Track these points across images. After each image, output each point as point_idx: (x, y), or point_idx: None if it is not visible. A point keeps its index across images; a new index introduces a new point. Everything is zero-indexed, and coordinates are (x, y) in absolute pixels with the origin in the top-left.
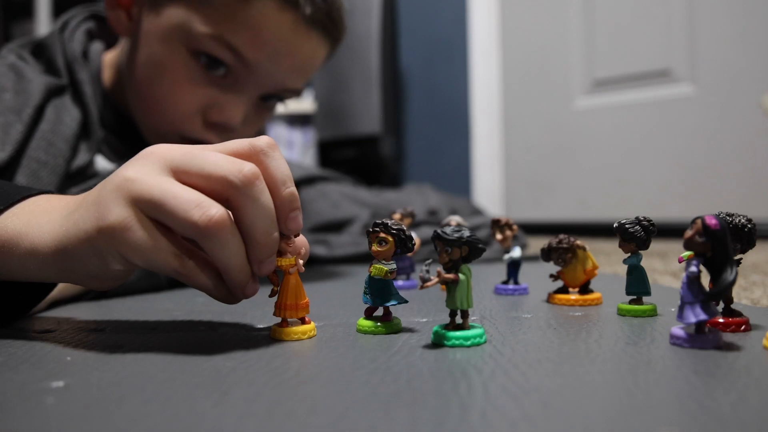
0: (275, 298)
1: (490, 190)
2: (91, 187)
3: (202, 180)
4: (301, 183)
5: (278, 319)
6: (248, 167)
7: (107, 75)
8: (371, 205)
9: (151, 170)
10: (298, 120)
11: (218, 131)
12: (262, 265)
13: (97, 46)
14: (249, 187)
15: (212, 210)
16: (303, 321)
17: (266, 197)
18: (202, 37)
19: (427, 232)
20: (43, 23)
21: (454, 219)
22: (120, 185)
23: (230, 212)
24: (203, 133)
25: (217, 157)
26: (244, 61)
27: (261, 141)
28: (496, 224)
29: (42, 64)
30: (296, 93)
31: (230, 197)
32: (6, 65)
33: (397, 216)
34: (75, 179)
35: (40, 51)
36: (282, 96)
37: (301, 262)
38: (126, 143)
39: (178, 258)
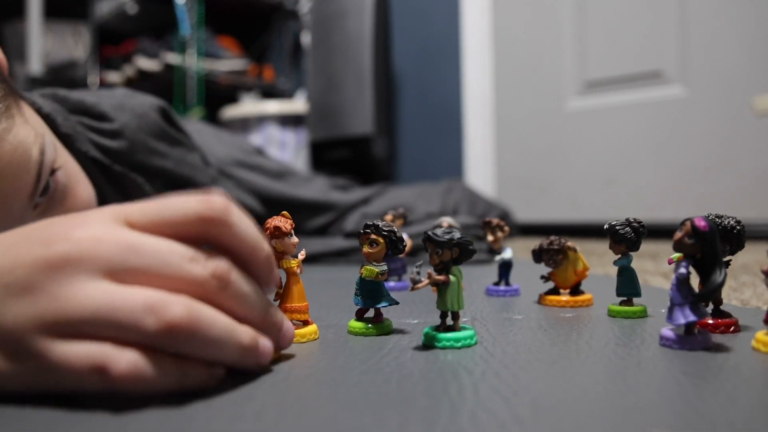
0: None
1: (483, 191)
2: None
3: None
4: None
5: None
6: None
7: None
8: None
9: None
10: (290, 120)
11: None
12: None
13: None
14: (222, 219)
15: (170, 309)
16: (305, 323)
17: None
18: None
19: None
20: (34, 24)
21: (446, 220)
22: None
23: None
24: None
25: (162, 249)
26: None
27: (215, 205)
28: (488, 225)
29: None
30: None
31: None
32: None
33: (388, 217)
34: None
35: None
36: None
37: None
38: None
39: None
